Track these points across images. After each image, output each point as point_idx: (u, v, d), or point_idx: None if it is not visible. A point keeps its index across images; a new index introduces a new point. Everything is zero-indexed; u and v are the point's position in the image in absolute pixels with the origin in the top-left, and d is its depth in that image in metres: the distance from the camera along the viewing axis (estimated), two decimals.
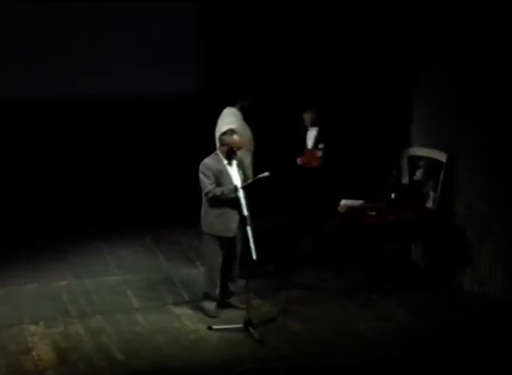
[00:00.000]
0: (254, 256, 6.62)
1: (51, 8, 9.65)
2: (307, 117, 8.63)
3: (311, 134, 8.63)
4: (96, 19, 9.87)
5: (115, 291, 7.76)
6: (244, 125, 8.05)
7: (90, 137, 9.97)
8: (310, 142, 8.63)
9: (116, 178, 10.03)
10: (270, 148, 8.78)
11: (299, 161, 8.65)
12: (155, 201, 9.83)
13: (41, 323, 6.98)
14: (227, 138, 7.05)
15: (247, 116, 8.21)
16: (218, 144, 7.20)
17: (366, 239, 7.64)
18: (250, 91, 8.40)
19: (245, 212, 6.75)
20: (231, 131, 7.14)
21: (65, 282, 7.96)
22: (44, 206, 9.55)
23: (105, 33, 9.96)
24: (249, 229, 6.70)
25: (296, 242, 8.59)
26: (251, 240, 6.65)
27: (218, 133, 8.05)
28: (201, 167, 7.04)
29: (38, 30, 9.67)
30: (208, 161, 7.12)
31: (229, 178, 6.99)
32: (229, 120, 8.03)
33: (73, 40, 9.80)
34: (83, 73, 9.84)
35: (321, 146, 8.55)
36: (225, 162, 7.05)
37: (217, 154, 7.14)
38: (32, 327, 6.89)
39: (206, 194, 7.00)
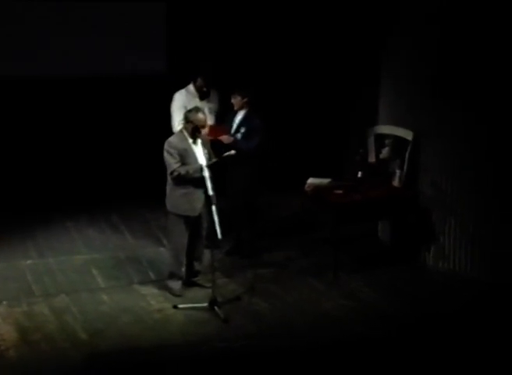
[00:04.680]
0: (220, 235, 6.61)
1: None
2: (235, 101, 7.93)
3: (238, 118, 7.96)
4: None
5: (80, 270, 7.71)
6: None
7: (57, 115, 9.82)
8: (234, 126, 7.97)
9: (83, 156, 9.92)
10: None
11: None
12: (122, 179, 9.75)
13: (4, 302, 6.92)
14: (192, 116, 6.98)
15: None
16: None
17: (332, 218, 7.65)
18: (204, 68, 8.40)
19: (210, 191, 6.72)
20: (196, 109, 7.09)
21: (29, 261, 7.89)
22: (10, 185, 9.42)
23: (78, 14, 9.79)
24: (214, 208, 6.67)
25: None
26: (216, 219, 6.62)
27: (175, 121, 8.14)
28: (166, 145, 6.98)
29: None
30: (172, 139, 7.06)
31: (194, 157, 6.94)
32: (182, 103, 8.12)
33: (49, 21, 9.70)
34: (56, 51, 9.70)
35: (242, 130, 7.87)
36: (191, 140, 7.00)
37: (182, 132, 7.08)
38: None
39: (171, 173, 6.94)
